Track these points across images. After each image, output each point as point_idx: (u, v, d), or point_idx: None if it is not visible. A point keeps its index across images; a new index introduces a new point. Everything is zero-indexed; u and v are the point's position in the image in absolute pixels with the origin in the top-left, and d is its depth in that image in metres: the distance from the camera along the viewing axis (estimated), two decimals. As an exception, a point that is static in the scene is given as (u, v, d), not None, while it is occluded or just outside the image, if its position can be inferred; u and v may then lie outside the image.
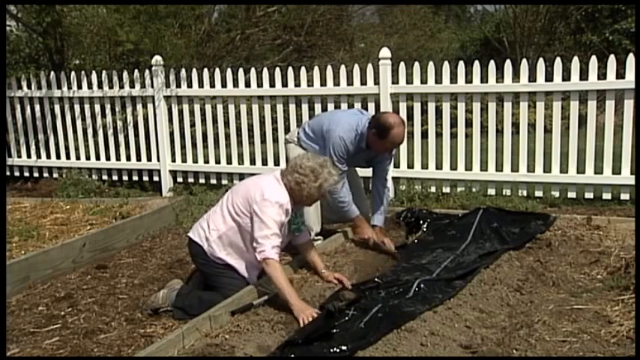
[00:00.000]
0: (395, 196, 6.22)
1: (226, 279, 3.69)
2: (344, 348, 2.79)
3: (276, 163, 6.77)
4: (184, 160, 7.14)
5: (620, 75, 5.51)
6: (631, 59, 5.42)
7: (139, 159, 7.30)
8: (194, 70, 7.02)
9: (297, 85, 6.61)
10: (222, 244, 3.69)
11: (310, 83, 6.56)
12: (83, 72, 7.42)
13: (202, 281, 3.89)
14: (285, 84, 6.60)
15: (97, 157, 7.48)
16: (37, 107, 7.63)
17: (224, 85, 6.88)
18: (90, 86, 7.30)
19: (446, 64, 6.05)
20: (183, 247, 5.03)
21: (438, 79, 6.09)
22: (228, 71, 7.16)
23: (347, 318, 3.11)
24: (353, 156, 4.45)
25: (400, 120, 4.32)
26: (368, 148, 4.41)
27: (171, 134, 7.10)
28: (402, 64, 6.18)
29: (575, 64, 5.59)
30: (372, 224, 4.56)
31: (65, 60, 8.65)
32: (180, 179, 7.19)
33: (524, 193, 5.95)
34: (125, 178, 7.42)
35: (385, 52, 6.13)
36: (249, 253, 3.68)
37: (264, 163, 6.80)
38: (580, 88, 5.62)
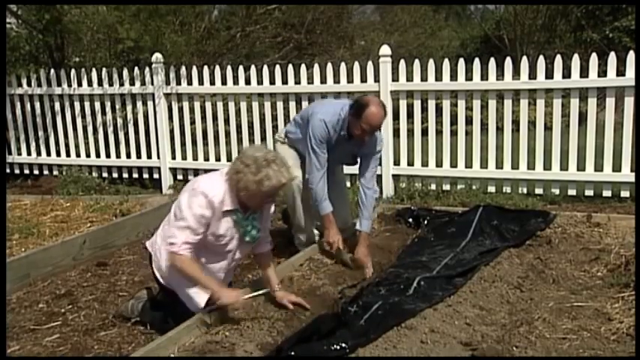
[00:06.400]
0: (395, 194, 6.22)
1: (181, 308, 3.25)
2: (344, 345, 2.79)
3: (276, 160, 6.75)
4: (184, 158, 7.13)
5: (621, 72, 5.51)
6: (631, 57, 5.41)
7: (139, 156, 7.30)
8: (194, 67, 7.02)
9: (298, 82, 6.61)
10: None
11: (310, 81, 6.56)
12: (83, 69, 7.42)
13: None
14: (285, 81, 6.60)
15: (97, 155, 7.48)
16: (37, 105, 7.62)
17: (224, 82, 6.88)
18: (90, 84, 7.30)
19: (446, 61, 6.04)
20: (183, 244, 5.03)
21: (438, 77, 6.08)
22: (229, 69, 7.16)
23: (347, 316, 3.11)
24: (335, 146, 4.21)
25: (379, 102, 4.08)
26: (350, 138, 4.17)
27: (172, 132, 7.09)
28: (402, 61, 6.18)
29: (576, 61, 5.59)
30: (357, 229, 4.21)
31: (65, 57, 8.64)
32: (180, 177, 7.19)
33: (525, 190, 5.95)
34: (125, 175, 7.42)
35: (385, 50, 6.13)
36: (208, 269, 3.28)
37: (264, 160, 6.78)
38: (580, 85, 5.62)
